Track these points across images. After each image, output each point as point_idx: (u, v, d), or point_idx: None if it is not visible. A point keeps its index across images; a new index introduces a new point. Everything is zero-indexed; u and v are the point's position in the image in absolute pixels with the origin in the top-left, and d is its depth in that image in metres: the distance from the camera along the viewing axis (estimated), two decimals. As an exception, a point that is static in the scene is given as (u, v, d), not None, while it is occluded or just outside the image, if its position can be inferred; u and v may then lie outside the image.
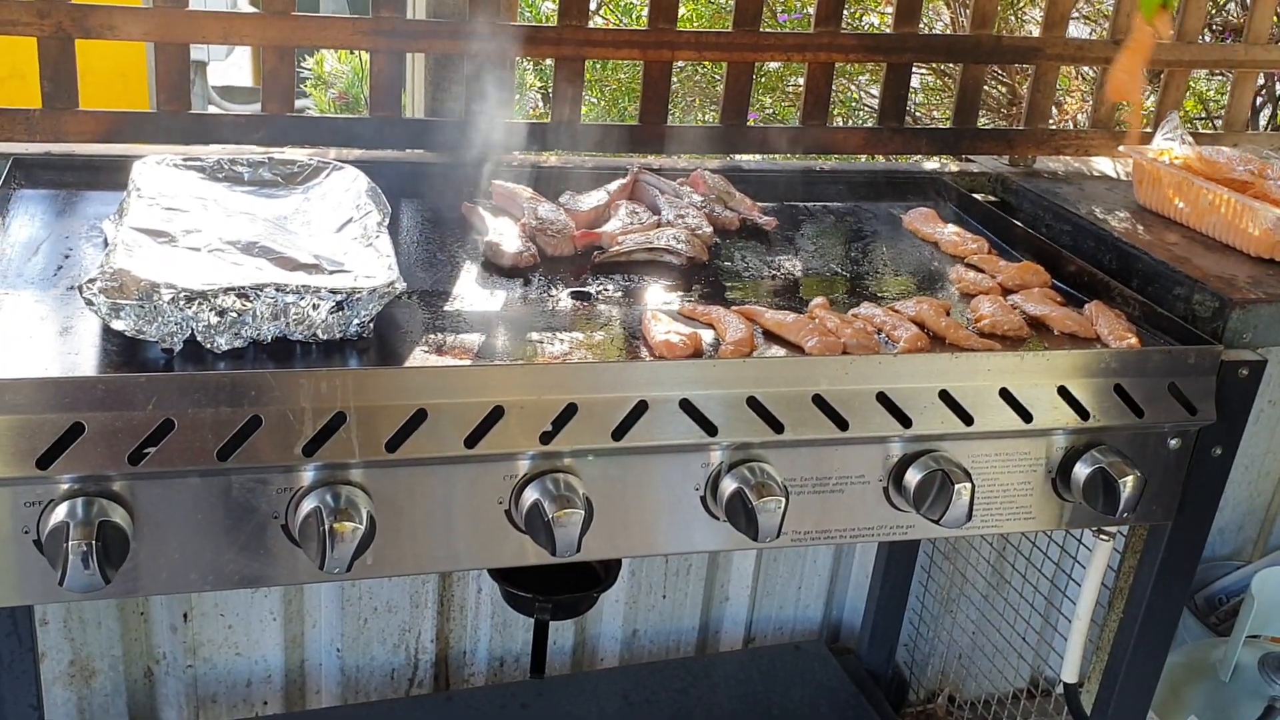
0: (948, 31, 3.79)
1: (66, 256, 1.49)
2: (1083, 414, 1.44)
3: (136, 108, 1.83)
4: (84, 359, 1.25)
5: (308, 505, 1.18)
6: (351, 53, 3.97)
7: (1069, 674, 1.85)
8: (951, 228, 1.89)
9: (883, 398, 1.36)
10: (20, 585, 1.18)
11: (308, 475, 1.21)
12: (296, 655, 2.27)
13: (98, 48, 1.82)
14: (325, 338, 1.30)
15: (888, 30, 2.15)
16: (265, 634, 2.23)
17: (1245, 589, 2.35)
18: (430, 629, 2.33)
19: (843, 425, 1.35)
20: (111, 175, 1.69)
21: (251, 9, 1.79)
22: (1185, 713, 2.21)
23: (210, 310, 1.24)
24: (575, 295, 1.55)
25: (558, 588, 1.72)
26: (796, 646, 2.57)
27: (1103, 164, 2.35)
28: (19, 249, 1.49)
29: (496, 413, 1.24)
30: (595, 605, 1.92)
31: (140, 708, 2.22)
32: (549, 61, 1.98)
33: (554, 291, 1.56)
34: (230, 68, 6.35)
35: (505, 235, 1.64)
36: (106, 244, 1.41)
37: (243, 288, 1.25)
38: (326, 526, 1.16)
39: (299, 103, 4.42)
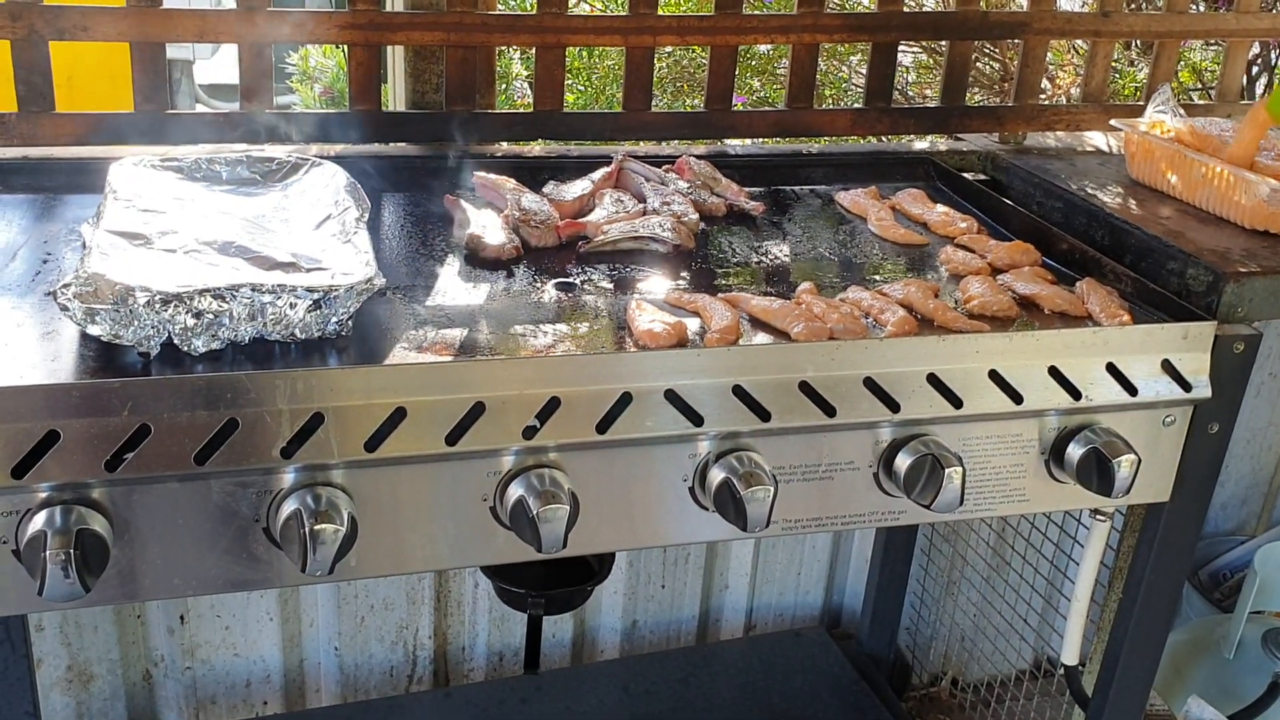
0: (936, 8, 3.76)
1: (45, 261, 1.47)
2: (1074, 394, 1.42)
3: (126, 110, 1.81)
4: (61, 365, 1.23)
5: (288, 508, 1.17)
6: (336, 47, 3.95)
7: (1069, 656, 1.84)
8: (941, 208, 1.87)
9: (870, 383, 1.34)
10: (1, 595, 1.17)
11: (288, 477, 1.19)
12: (295, 655, 2.27)
13: (86, 51, 1.80)
14: (304, 337, 1.28)
15: (873, 9, 2.12)
16: (263, 634, 2.22)
17: (1249, 564, 2.34)
18: (428, 625, 2.33)
19: (830, 412, 1.33)
20: (91, 178, 1.67)
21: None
22: (1188, 690, 2.19)
23: (186, 312, 1.22)
24: (560, 286, 1.54)
25: (551, 582, 1.71)
26: (797, 633, 2.56)
27: (1095, 138, 2.32)
28: (-4, 255, 1.47)
29: (478, 409, 1.22)
30: (592, 598, 1.91)
31: (140, 711, 2.22)
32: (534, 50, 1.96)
33: (538, 283, 1.54)
34: (218, 65, 6.32)
35: (488, 227, 1.63)
36: (84, 248, 1.40)
37: (218, 288, 1.24)
38: (307, 529, 1.14)
39: (284, 99, 4.40)
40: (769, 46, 3.42)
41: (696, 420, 1.29)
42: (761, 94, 3.61)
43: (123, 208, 1.45)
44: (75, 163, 1.73)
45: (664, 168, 1.88)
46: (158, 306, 1.21)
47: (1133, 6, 3.37)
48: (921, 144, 2.26)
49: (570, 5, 1.95)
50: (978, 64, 3.69)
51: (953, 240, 1.77)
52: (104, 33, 1.73)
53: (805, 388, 1.33)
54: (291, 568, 1.19)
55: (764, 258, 1.69)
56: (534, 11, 1.91)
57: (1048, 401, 1.42)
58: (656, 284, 1.56)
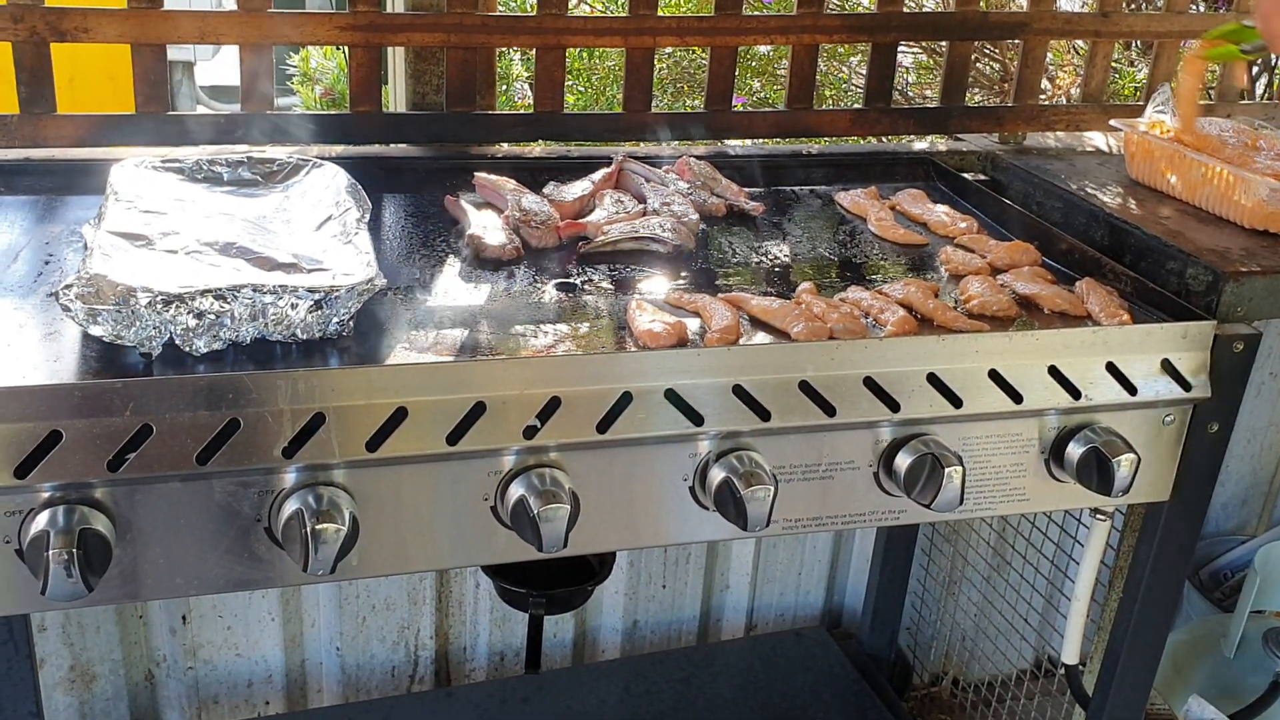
0: (935, 9, 3.76)
1: (47, 262, 1.47)
2: (1074, 393, 1.43)
3: (125, 110, 1.81)
4: (64, 365, 1.23)
5: (289, 507, 1.17)
6: (337, 48, 3.95)
7: (1069, 655, 1.84)
8: (941, 208, 1.87)
9: (870, 382, 1.35)
10: (4, 595, 1.17)
11: (289, 477, 1.20)
12: (296, 655, 2.27)
13: (86, 51, 1.81)
14: (305, 337, 1.29)
15: (873, 10, 2.13)
16: (264, 634, 2.23)
17: (1249, 564, 2.34)
18: (429, 625, 2.33)
19: (830, 411, 1.33)
20: (93, 179, 1.67)
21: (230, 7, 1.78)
22: (1189, 690, 2.20)
23: (188, 313, 1.23)
24: (560, 287, 1.54)
25: (552, 582, 1.72)
26: (798, 633, 2.56)
27: (1095, 139, 2.33)
28: (-2, 256, 1.48)
29: (478, 408, 1.23)
30: (593, 597, 1.91)
31: (142, 711, 2.22)
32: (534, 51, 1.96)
33: (539, 284, 1.54)
34: (219, 67, 6.32)
35: (489, 228, 1.63)
36: (86, 249, 1.40)
37: (220, 289, 1.24)
38: (309, 528, 1.15)
39: (285, 100, 4.41)
40: (769, 47, 3.43)
41: (697, 420, 1.30)
42: (761, 95, 3.62)
43: (124, 209, 1.45)
44: (77, 164, 1.74)
45: (664, 168, 1.89)
46: (159, 307, 1.21)
47: (1133, 6, 3.37)
48: (921, 144, 2.26)
49: (570, 6, 1.96)
50: (977, 64, 3.69)
51: (952, 240, 1.78)
52: (105, 34, 1.73)
53: (805, 387, 1.33)
54: (293, 567, 1.19)
55: (764, 258, 1.69)
56: (534, 13, 1.91)
57: (1047, 401, 1.43)
58: (657, 284, 1.56)
